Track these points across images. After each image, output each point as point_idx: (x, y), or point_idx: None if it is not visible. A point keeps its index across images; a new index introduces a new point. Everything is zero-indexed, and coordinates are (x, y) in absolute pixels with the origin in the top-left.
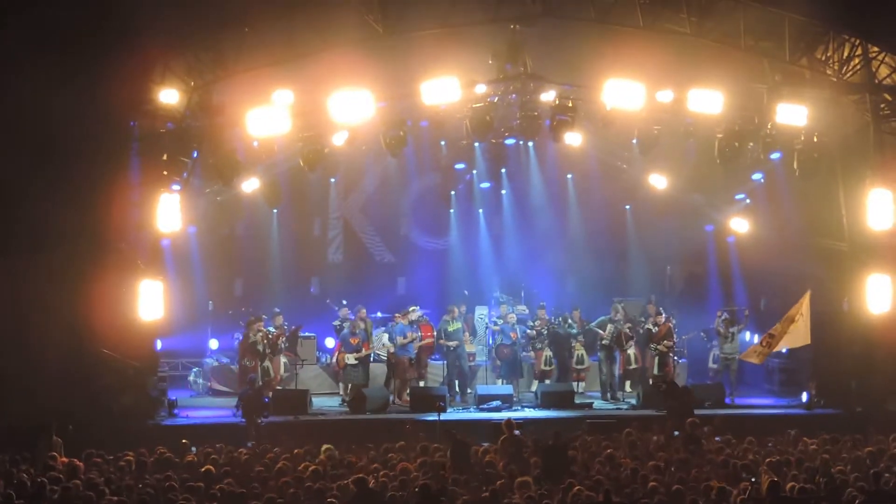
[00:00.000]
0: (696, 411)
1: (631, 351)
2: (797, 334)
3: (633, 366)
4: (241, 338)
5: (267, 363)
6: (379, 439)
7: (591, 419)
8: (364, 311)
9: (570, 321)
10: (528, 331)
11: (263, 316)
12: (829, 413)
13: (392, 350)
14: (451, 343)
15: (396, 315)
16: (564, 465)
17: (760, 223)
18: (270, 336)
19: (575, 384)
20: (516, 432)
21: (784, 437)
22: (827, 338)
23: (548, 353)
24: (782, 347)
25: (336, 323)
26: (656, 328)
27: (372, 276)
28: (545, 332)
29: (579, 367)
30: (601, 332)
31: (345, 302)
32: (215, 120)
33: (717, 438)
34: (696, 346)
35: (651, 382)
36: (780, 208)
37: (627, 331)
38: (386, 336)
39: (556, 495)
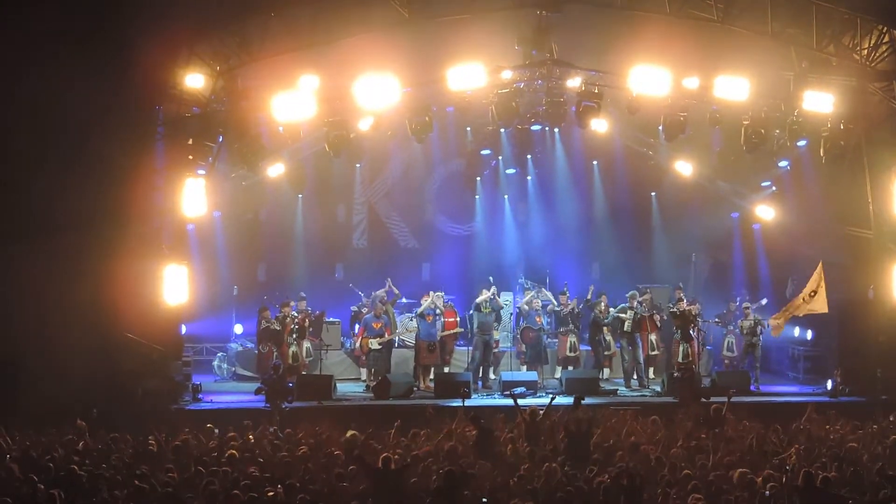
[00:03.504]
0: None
1: (653, 337)
2: (816, 303)
3: (655, 352)
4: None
5: (295, 348)
6: (403, 425)
7: (614, 406)
8: (384, 295)
9: (601, 306)
10: (558, 308)
11: (292, 302)
12: (854, 401)
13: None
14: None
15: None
16: (588, 450)
17: (786, 211)
18: (298, 319)
19: (600, 370)
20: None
21: (808, 420)
22: (853, 326)
23: (572, 339)
24: (802, 313)
25: (354, 308)
26: (679, 314)
27: (396, 261)
28: (569, 316)
29: (606, 353)
30: (623, 316)
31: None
32: (241, 104)
33: (744, 423)
34: (718, 334)
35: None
36: (807, 196)
37: (655, 318)
38: (413, 322)
39: (579, 480)
